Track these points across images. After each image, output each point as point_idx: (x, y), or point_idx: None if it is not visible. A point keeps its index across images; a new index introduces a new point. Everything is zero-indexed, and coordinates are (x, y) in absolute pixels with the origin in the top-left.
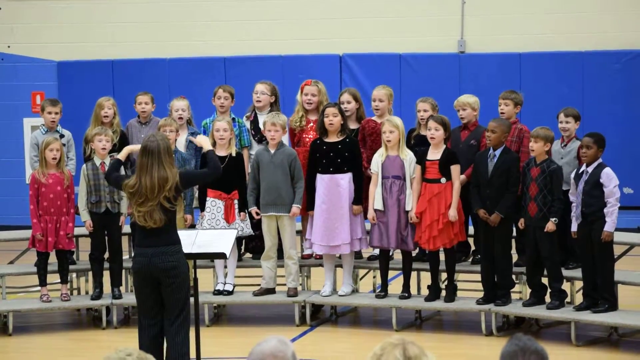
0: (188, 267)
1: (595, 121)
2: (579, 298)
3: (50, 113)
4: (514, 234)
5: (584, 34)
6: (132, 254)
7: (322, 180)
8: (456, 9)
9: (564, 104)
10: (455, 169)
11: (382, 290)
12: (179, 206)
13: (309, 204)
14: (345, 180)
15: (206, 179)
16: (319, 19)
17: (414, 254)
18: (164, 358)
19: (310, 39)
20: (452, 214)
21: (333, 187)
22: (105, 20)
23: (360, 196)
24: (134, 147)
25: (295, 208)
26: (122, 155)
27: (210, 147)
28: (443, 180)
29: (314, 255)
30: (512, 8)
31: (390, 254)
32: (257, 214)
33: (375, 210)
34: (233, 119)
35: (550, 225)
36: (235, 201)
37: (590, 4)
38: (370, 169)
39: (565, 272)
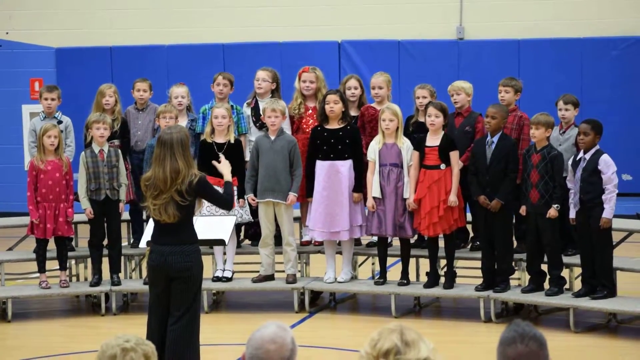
0: (202, 268)
1: (594, 108)
2: (577, 284)
3: (46, 99)
4: (513, 220)
5: (582, 20)
6: (132, 241)
7: (323, 167)
8: None
9: (562, 91)
10: (454, 154)
11: (381, 277)
12: (198, 204)
13: (308, 191)
14: (345, 167)
15: (217, 203)
16: (318, 6)
17: (412, 240)
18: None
19: (308, 26)
20: (453, 199)
21: (333, 174)
22: (104, 7)
23: (361, 184)
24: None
25: (292, 196)
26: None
27: (230, 178)
28: (442, 166)
29: (312, 242)
30: None
31: (389, 240)
32: (254, 200)
33: (374, 198)
34: (231, 106)
35: (552, 212)
36: (234, 188)
37: None
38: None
39: (564, 259)
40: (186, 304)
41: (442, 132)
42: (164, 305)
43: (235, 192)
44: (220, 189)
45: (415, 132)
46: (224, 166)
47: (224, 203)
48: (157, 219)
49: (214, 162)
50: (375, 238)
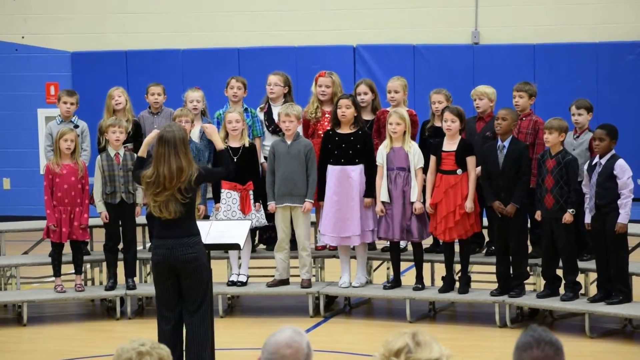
0: (208, 259)
1: (609, 112)
2: (593, 290)
3: (65, 103)
4: (528, 225)
5: (598, 25)
6: (147, 245)
7: (333, 172)
8: (470, 0)
9: (578, 96)
10: (471, 160)
11: (394, 282)
12: (197, 196)
13: (320, 195)
14: (356, 172)
15: (219, 178)
16: (333, 10)
17: (427, 245)
18: (184, 349)
19: (324, 30)
20: (469, 205)
21: (344, 179)
22: (119, 11)
23: (372, 188)
24: (149, 140)
25: (308, 203)
26: (142, 152)
27: (222, 146)
28: (459, 171)
29: (327, 247)
30: None
31: (404, 245)
32: (274, 208)
33: (382, 202)
34: (245, 109)
35: (568, 216)
36: (250, 192)
37: None
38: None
39: (580, 264)
40: (200, 296)
41: (459, 137)
42: (173, 300)
43: (252, 196)
44: (236, 194)
45: (431, 136)
46: (212, 131)
47: (225, 173)
48: (157, 215)
49: (202, 125)
50: (389, 243)
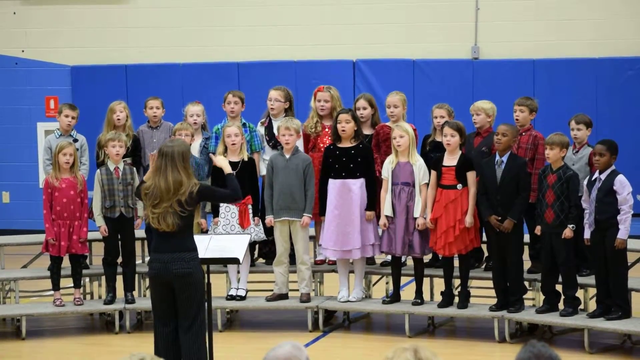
0: (203, 274)
1: (609, 128)
2: (592, 305)
3: (67, 116)
4: (527, 240)
5: (597, 40)
6: (146, 259)
7: (334, 186)
8: (470, 15)
9: (577, 111)
10: (471, 175)
11: (393, 297)
12: (197, 212)
13: (321, 209)
14: (357, 186)
15: (224, 200)
16: (333, 25)
17: (426, 260)
18: None
19: (323, 45)
20: (469, 220)
21: (345, 193)
22: (119, 25)
23: (373, 202)
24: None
25: (307, 218)
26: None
27: (230, 171)
28: (459, 186)
29: (327, 261)
30: (526, 14)
31: (403, 260)
32: (271, 222)
33: (386, 217)
34: (244, 124)
35: (568, 232)
36: (249, 206)
37: (604, 11)
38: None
39: (579, 279)
40: (193, 312)
41: (459, 152)
42: (169, 314)
43: (250, 210)
44: (235, 208)
45: (433, 151)
46: (221, 161)
47: (232, 197)
48: (155, 227)
49: (211, 156)
50: (389, 257)
